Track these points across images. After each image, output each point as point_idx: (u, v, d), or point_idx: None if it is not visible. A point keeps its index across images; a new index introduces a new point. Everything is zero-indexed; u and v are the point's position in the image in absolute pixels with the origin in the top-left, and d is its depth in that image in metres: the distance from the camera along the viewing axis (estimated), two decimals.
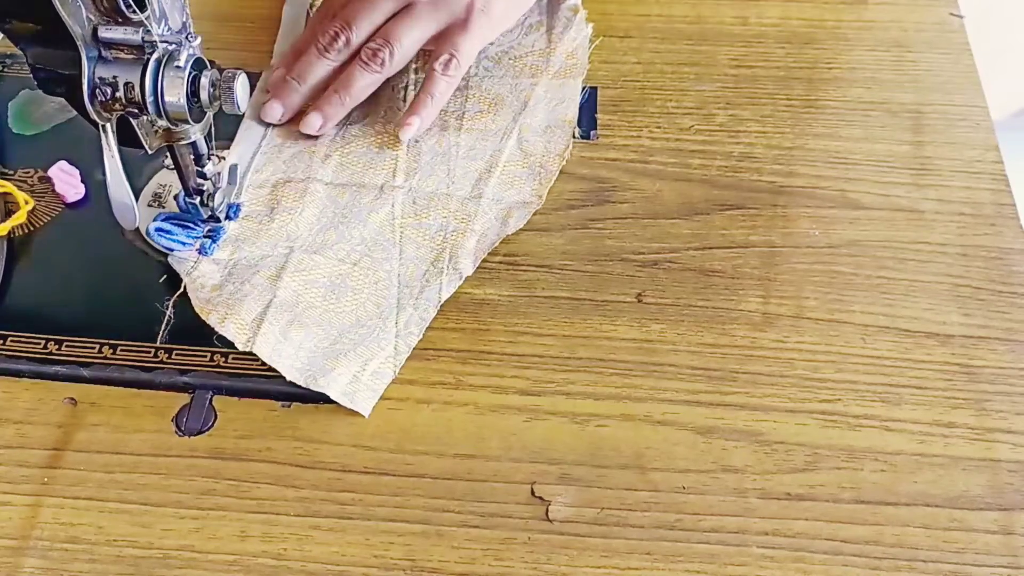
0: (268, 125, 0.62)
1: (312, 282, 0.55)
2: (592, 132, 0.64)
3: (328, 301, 0.54)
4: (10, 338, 0.54)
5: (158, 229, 0.56)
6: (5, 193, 0.59)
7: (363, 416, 0.51)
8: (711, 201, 0.60)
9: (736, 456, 0.50)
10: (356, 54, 0.61)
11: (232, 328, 0.52)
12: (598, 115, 0.64)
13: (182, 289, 0.54)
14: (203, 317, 0.52)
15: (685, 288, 0.56)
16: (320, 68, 0.61)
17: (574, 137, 0.63)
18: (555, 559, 0.47)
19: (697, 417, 0.51)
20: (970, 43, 0.68)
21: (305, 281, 0.55)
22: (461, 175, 0.60)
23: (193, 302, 0.53)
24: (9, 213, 0.59)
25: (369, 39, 0.61)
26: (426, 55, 0.64)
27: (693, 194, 0.60)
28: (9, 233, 0.58)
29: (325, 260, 0.56)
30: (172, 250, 0.56)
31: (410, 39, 0.61)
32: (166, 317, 0.54)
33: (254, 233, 0.57)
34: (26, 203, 0.58)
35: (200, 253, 0.55)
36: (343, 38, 0.61)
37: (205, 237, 0.56)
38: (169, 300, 0.54)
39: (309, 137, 0.62)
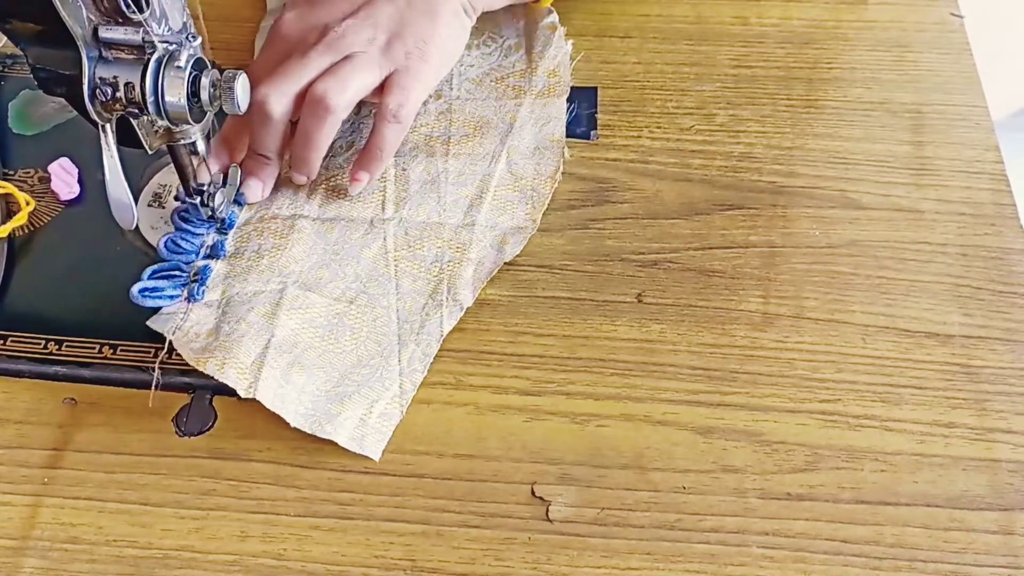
0: None
1: (309, 321, 0.53)
2: (592, 132, 0.64)
3: (327, 342, 0.53)
4: (10, 338, 0.54)
5: (143, 290, 0.53)
6: (6, 194, 0.59)
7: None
8: (711, 201, 0.60)
9: (736, 456, 0.50)
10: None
11: (232, 374, 0.50)
12: (598, 115, 0.64)
13: (166, 349, 0.52)
14: (200, 368, 0.50)
15: (685, 288, 0.56)
16: (271, 140, 0.57)
17: (568, 144, 0.62)
18: (555, 559, 0.47)
19: (697, 417, 0.51)
20: (970, 43, 0.68)
21: (302, 320, 0.53)
22: (452, 203, 0.59)
23: (185, 356, 0.51)
24: (10, 214, 0.59)
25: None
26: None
27: (693, 194, 0.60)
28: (9, 233, 0.58)
29: (321, 299, 0.54)
30: (160, 308, 0.53)
31: (353, 82, 0.56)
32: (154, 378, 0.52)
33: (244, 270, 0.55)
34: (27, 204, 0.58)
35: (189, 300, 0.54)
36: (274, 98, 0.56)
37: (192, 281, 0.54)
38: (155, 364, 0.52)
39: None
